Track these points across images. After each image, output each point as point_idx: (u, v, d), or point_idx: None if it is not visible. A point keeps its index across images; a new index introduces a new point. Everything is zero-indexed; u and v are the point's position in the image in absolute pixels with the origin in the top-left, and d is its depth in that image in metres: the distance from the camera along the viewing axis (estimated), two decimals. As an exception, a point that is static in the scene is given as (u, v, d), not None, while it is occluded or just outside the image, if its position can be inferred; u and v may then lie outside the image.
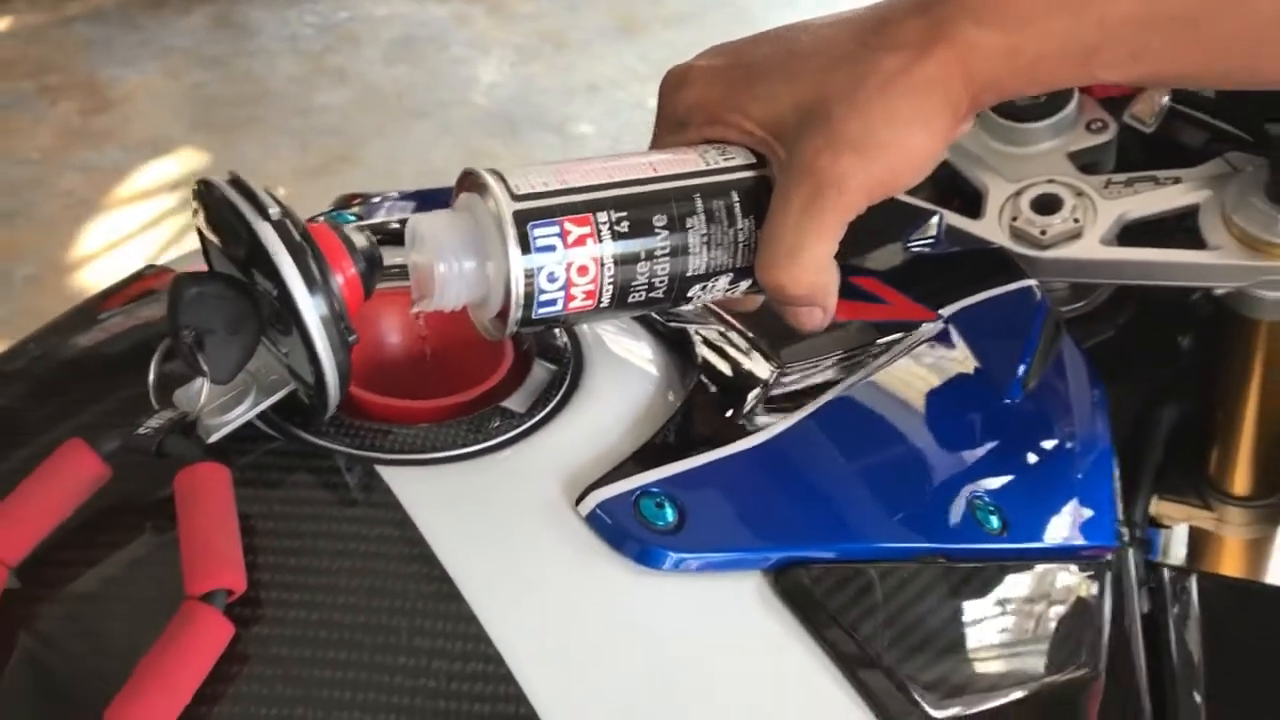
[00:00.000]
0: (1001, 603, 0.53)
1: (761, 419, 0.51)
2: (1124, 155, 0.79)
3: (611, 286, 0.45)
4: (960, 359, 0.62)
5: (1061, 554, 0.58)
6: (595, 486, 0.45)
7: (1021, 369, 0.62)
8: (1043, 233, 0.73)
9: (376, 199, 0.66)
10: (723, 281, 0.47)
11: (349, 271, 0.44)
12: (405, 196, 0.67)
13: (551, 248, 0.43)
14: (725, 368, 0.54)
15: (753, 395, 0.53)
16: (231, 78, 2.73)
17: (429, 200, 0.64)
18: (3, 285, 2.17)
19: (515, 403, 0.49)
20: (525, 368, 0.51)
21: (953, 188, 0.79)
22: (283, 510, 0.45)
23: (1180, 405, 0.84)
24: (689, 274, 0.46)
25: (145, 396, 0.46)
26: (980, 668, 0.50)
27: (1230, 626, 0.70)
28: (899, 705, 0.45)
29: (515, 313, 0.44)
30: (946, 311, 0.63)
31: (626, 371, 0.53)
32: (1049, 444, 0.62)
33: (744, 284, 0.48)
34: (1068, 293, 0.81)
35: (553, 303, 0.44)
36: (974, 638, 0.51)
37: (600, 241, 0.44)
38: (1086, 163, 0.77)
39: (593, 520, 0.45)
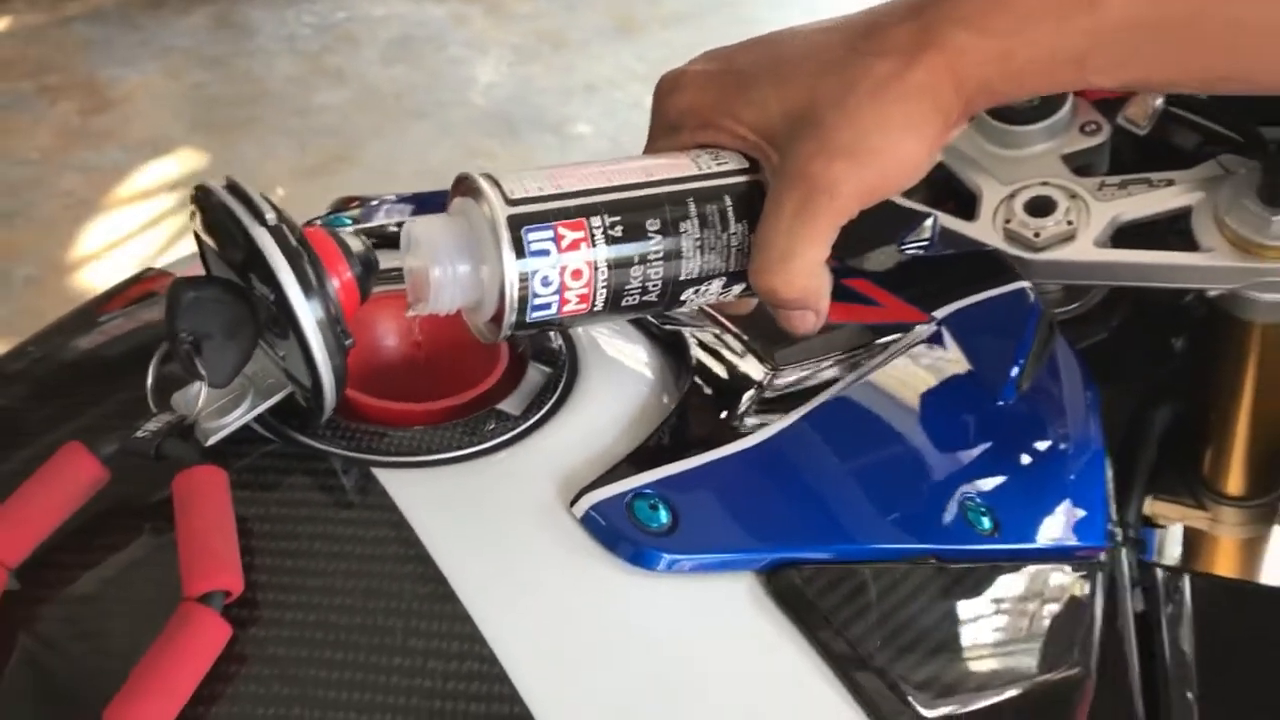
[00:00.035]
0: (993, 603, 0.53)
1: (755, 421, 0.52)
2: (1118, 157, 0.79)
3: (605, 290, 0.45)
4: (953, 360, 0.62)
5: (1054, 554, 0.58)
6: (590, 488, 0.46)
7: (1015, 371, 0.63)
8: (1036, 235, 0.74)
9: (374, 202, 0.67)
10: (716, 285, 0.48)
11: (345, 276, 0.45)
12: (402, 199, 0.67)
13: (545, 252, 0.44)
14: (719, 370, 0.54)
15: (746, 397, 0.53)
16: (231, 78, 2.74)
17: (426, 203, 0.64)
18: (2, 285, 2.17)
19: (510, 405, 0.50)
20: (520, 370, 0.51)
21: (947, 190, 0.80)
22: (280, 512, 0.45)
23: (1174, 406, 0.85)
24: (682, 278, 0.46)
25: (144, 399, 0.47)
26: (971, 668, 0.50)
27: (1223, 626, 0.70)
28: (890, 705, 0.46)
29: (510, 316, 0.44)
30: (940, 313, 0.63)
31: (621, 374, 0.53)
32: (1041, 445, 0.63)
33: (737, 287, 0.48)
34: (1061, 294, 0.82)
35: (547, 306, 0.44)
36: (965, 638, 0.51)
37: (594, 246, 0.44)
38: (1080, 165, 0.78)
39: (587, 522, 0.45)
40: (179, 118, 2.62)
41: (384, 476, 0.46)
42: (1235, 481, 0.85)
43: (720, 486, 0.48)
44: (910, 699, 0.46)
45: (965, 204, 0.78)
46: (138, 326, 0.56)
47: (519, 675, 0.41)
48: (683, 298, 0.47)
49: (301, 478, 0.46)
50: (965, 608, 0.52)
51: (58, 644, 0.43)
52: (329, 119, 2.61)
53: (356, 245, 0.46)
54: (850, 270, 0.65)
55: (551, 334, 0.53)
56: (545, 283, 0.44)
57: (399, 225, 0.47)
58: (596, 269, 0.44)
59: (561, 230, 0.44)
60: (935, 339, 0.62)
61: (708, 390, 0.53)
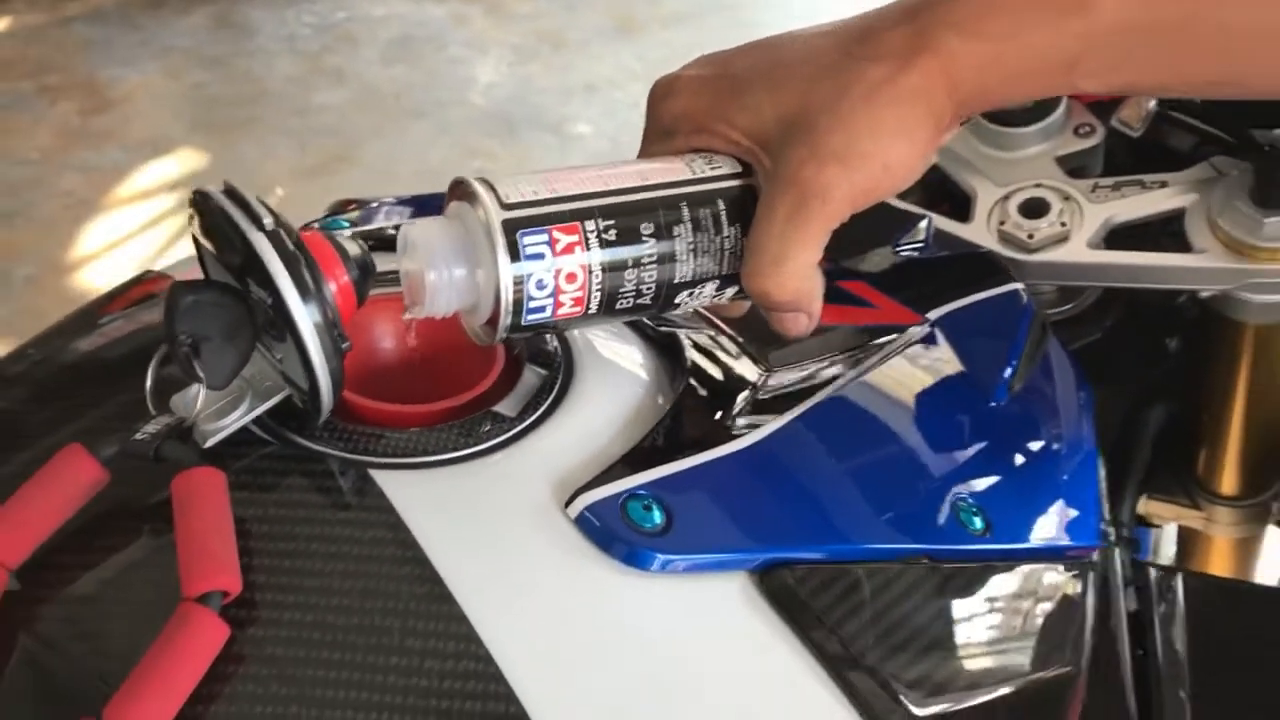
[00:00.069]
0: (985, 602, 0.54)
1: (749, 422, 0.52)
2: (1111, 159, 0.80)
3: (599, 293, 0.45)
4: (946, 361, 0.63)
5: (1046, 554, 0.58)
6: (584, 489, 0.46)
7: (1007, 371, 0.63)
8: (1030, 236, 0.74)
9: (372, 204, 0.67)
10: (709, 288, 0.48)
11: (342, 279, 0.45)
12: (400, 202, 0.67)
13: (540, 255, 0.44)
14: (714, 371, 0.55)
15: (741, 398, 0.53)
16: (230, 78, 2.74)
17: (423, 206, 0.64)
18: (2, 285, 2.17)
19: (506, 407, 0.50)
20: (516, 373, 0.52)
21: (942, 191, 0.80)
22: (277, 513, 0.46)
23: (1167, 406, 0.85)
24: (676, 281, 0.47)
25: (143, 402, 0.47)
26: (964, 667, 0.51)
27: (1216, 625, 0.70)
28: (883, 704, 0.46)
29: (505, 319, 0.45)
30: (934, 315, 0.64)
31: (616, 376, 0.53)
32: (1034, 445, 0.63)
33: (730, 290, 0.49)
34: (1055, 296, 0.82)
35: (541, 309, 0.45)
36: (958, 637, 0.52)
37: (588, 249, 0.45)
38: (1074, 167, 0.78)
39: (581, 522, 0.45)
40: (179, 118, 2.62)
41: (381, 478, 0.46)
42: (1229, 481, 0.85)
43: (714, 487, 0.49)
44: (902, 698, 0.47)
45: (960, 206, 0.78)
46: (137, 329, 0.56)
47: (514, 674, 0.41)
48: (677, 300, 0.48)
49: (299, 479, 0.47)
50: (958, 607, 0.52)
51: (58, 644, 0.43)
52: (329, 119, 2.61)
53: (353, 249, 0.46)
54: (844, 272, 0.65)
55: (547, 336, 0.53)
56: (540, 286, 0.44)
57: (396, 228, 0.47)
58: (591, 272, 0.45)
59: (556, 234, 0.44)
60: (928, 340, 0.62)
61: (702, 391, 0.53)
